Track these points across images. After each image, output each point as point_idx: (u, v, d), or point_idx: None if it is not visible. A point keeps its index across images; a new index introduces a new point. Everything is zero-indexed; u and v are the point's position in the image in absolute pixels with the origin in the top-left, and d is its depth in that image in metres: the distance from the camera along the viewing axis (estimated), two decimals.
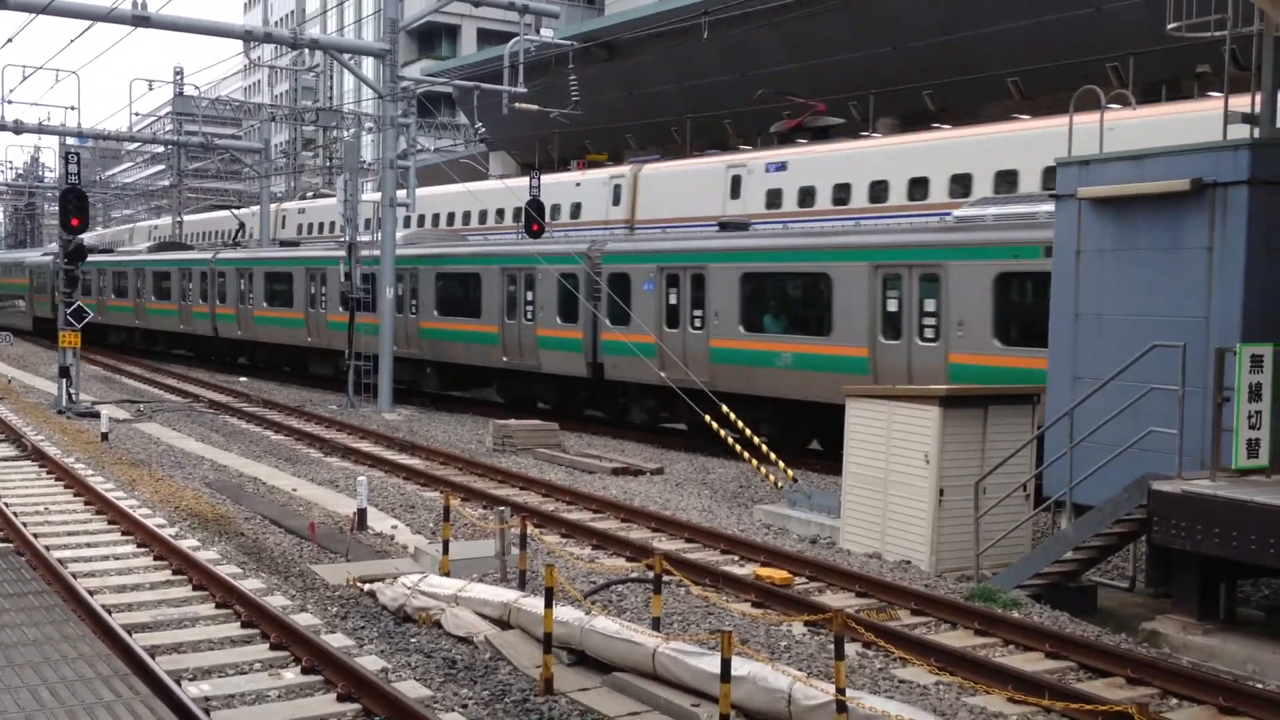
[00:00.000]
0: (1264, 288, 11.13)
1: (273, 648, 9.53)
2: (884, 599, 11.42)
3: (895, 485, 13.06)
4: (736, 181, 28.77)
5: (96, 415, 23.37)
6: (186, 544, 13.03)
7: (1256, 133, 12.08)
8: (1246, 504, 9.83)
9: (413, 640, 10.05)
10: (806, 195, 26.82)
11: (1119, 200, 12.07)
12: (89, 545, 13.22)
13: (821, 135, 29.49)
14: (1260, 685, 9.37)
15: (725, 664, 7.57)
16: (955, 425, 12.67)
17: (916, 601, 11.19)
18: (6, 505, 14.54)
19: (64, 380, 25.86)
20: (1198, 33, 12.82)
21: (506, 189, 32.92)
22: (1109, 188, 12.14)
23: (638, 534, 14.32)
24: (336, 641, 9.73)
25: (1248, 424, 10.56)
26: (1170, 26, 12.98)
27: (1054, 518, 12.81)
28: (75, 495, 16.06)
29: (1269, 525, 9.62)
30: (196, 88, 52.22)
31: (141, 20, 24.77)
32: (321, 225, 47.74)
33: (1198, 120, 17.50)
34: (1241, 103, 12.47)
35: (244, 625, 10.17)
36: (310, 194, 51.37)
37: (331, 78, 76.99)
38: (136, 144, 64.82)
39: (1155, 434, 10.89)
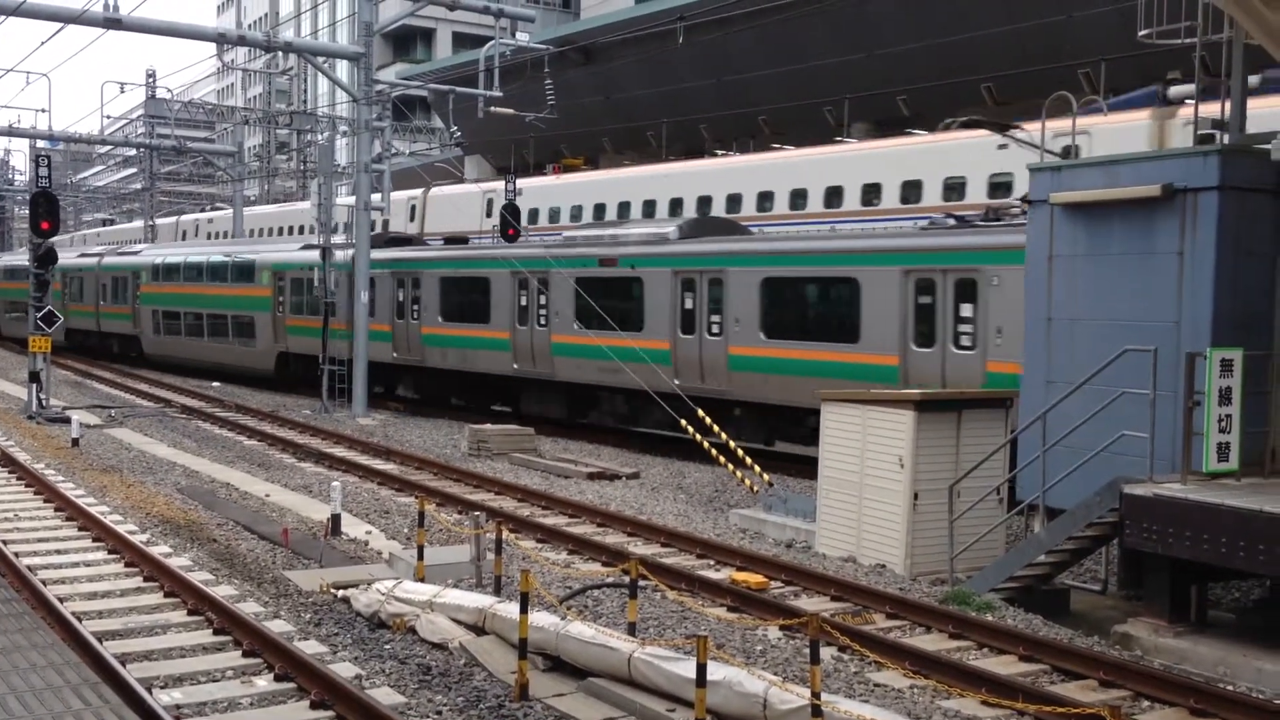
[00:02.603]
0: (1234, 292, 11.24)
1: (245, 655, 9.46)
2: (859, 603, 11.44)
3: (870, 489, 13.09)
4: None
5: (67, 421, 23.15)
6: (158, 550, 12.92)
7: (1226, 139, 12.19)
8: (1217, 507, 9.92)
9: (387, 646, 9.99)
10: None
11: (1092, 205, 12.16)
12: (59, 552, 13.08)
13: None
14: (1231, 687, 9.44)
15: (701, 669, 7.57)
16: (929, 429, 12.72)
17: (891, 605, 11.23)
18: None
19: (34, 385, 25.62)
20: (1169, 40, 12.94)
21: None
22: (1082, 193, 12.23)
23: (614, 539, 14.30)
24: (309, 648, 9.66)
25: (1218, 428, 10.64)
26: (1141, 33, 13.10)
27: (1027, 521, 12.87)
28: (45, 501, 15.90)
29: (1239, 528, 9.71)
30: (169, 90, 51.96)
31: (113, 22, 24.59)
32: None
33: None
34: (1212, 109, 12.59)
35: (216, 632, 10.09)
36: None
37: (306, 81, 76.67)
38: (108, 147, 64.34)
39: (1127, 437, 10.97)
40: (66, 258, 43.42)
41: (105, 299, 41.19)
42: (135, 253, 40.99)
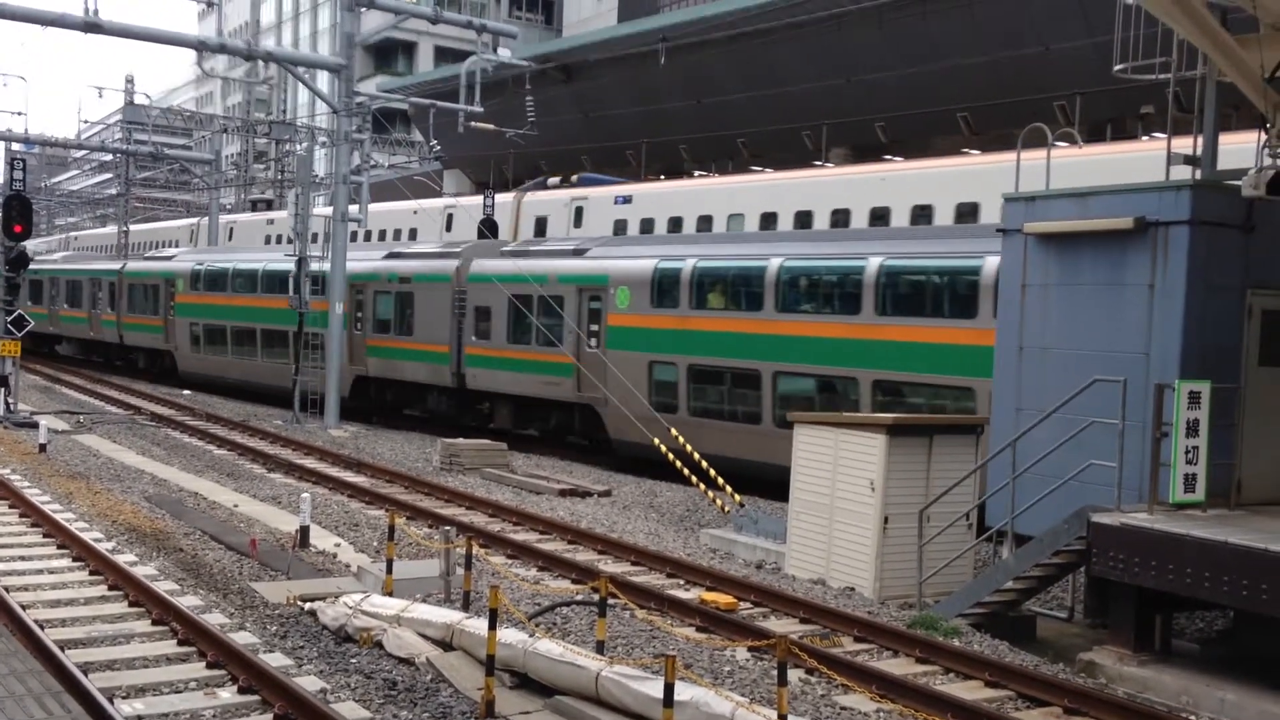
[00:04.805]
0: (1203, 325, 11.38)
1: (209, 666, 9.39)
2: (827, 625, 11.47)
3: (841, 512, 13.14)
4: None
5: (35, 426, 22.92)
6: (123, 559, 12.80)
7: (1198, 174, 12.36)
8: (1182, 537, 10.02)
9: (353, 661, 9.93)
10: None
11: (1064, 236, 12.29)
12: (23, 559, 12.94)
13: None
14: (1193, 717, 9.53)
15: (668, 689, 7.57)
16: (901, 454, 12.79)
17: (859, 628, 11.26)
18: None
19: (2, 390, 25.35)
20: (1143, 75, 13.12)
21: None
22: (1054, 224, 12.36)
23: (584, 556, 14.28)
24: (275, 661, 9.59)
25: (1185, 459, 10.76)
26: (1116, 68, 13.27)
27: (995, 547, 12.95)
28: (10, 508, 15.72)
29: (1204, 559, 9.81)
30: (147, 96, 51.75)
31: (93, 27, 24.48)
32: None
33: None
34: (1184, 144, 12.76)
35: (180, 643, 10.00)
36: None
37: (285, 90, 76.48)
38: (84, 151, 63.91)
39: (1095, 466, 11.07)
40: (360, 260, 27.93)
41: (491, 332, 23.98)
42: (577, 252, 22.93)
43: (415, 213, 36.26)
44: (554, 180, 33.74)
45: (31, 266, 46.98)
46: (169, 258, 37.69)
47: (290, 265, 27.75)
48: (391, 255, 27.82)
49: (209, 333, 33.29)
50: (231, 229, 50.21)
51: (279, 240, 43.23)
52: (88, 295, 41.39)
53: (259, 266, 31.98)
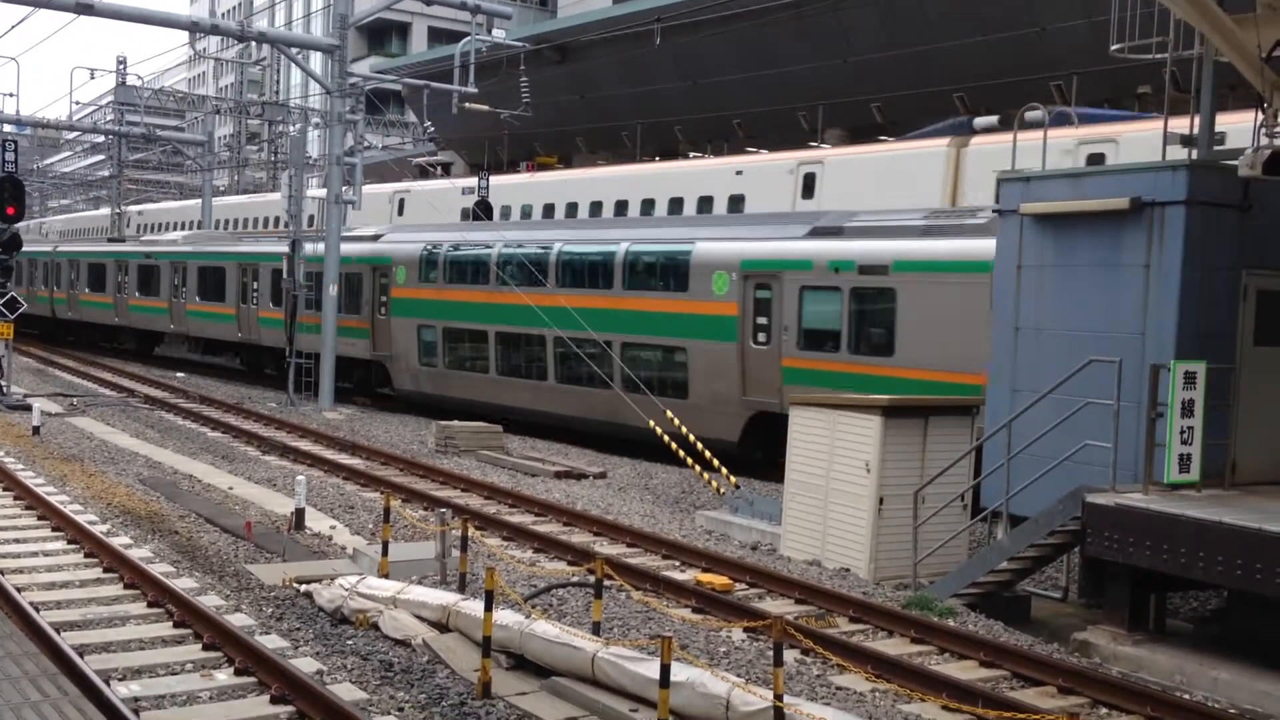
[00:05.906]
0: (1198, 305, 11.38)
1: (205, 648, 9.39)
2: (823, 606, 11.49)
3: (836, 493, 13.16)
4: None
5: (28, 408, 22.89)
6: (118, 541, 12.79)
7: (1194, 154, 12.34)
8: (1177, 518, 10.04)
9: (349, 642, 9.94)
10: None
11: (1060, 217, 12.27)
12: (18, 541, 12.93)
13: None
14: (1187, 696, 9.57)
15: (664, 669, 7.58)
16: (896, 435, 12.80)
17: (855, 609, 11.28)
18: None
19: None
20: (1139, 55, 13.08)
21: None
22: (1050, 204, 12.34)
23: (580, 538, 14.29)
24: (271, 643, 9.60)
25: (1180, 439, 10.78)
26: (1113, 48, 13.23)
27: (990, 528, 12.98)
28: (4, 490, 15.69)
29: (1198, 539, 9.83)
30: (139, 78, 51.45)
31: (85, 8, 24.34)
32: None
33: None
34: (1180, 124, 12.74)
35: (176, 625, 10.00)
36: None
37: (278, 71, 76.13)
38: (76, 133, 63.60)
39: (1090, 447, 11.07)
40: (753, 238, 19.69)
41: None
42: None
43: (739, 173, 26.62)
44: (984, 121, 22.69)
45: (142, 250, 37.52)
46: (373, 237, 27.99)
47: (609, 247, 21.67)
48: (819, 231, 18.62)
49: (452, 340, 24.99)
50: (402, 200, 37.61)
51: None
52: (234, 286, 32.55)
53: (552, 250, 23.00)
